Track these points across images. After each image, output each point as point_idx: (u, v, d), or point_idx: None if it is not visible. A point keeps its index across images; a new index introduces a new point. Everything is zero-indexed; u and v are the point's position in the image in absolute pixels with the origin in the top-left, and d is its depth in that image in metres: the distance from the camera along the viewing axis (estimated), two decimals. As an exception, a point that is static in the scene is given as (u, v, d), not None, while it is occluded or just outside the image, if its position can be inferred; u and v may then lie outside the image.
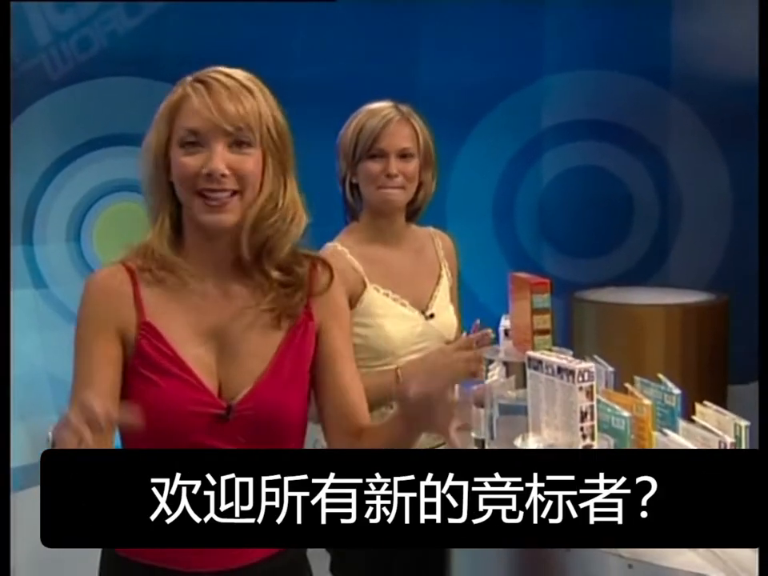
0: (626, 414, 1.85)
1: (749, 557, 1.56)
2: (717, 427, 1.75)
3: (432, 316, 2.35)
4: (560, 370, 1.74)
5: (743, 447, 1.75)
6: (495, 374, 2.02)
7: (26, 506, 3.75)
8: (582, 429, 1.70)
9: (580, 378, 1.69)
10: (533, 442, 1.78)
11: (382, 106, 2.34)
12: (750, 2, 4.70)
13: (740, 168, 5.00)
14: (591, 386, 1.70)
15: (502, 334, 2.22)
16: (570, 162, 5.02)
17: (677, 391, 1.97)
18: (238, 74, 1.60)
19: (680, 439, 1.67)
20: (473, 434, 2.14)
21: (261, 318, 1.60)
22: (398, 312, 2.31)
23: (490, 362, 2.11)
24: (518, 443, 1.78)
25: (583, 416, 1.70)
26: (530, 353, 1.84)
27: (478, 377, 2.26)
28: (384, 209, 2.34)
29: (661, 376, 2.06)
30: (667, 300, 3.91)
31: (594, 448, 1.70)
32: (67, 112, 4.16)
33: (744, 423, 1.77)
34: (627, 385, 2.06)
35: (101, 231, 4.22)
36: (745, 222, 4.92)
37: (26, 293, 4.21)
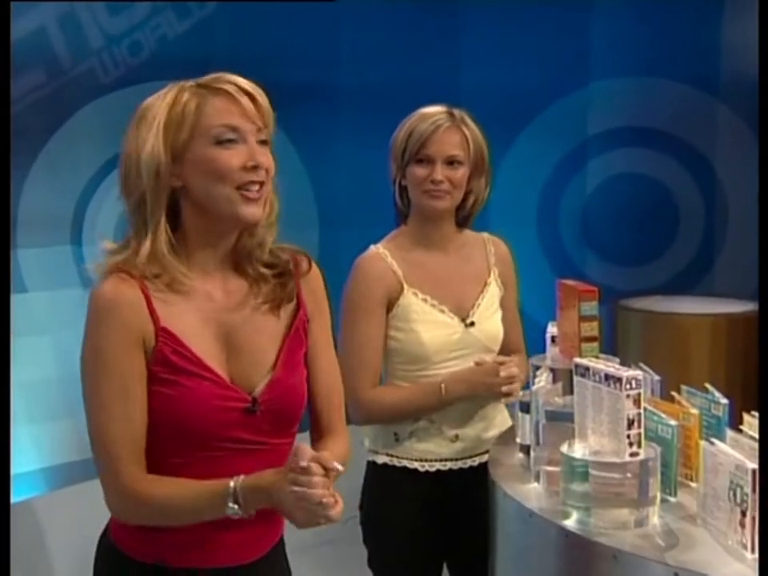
0: (672, 422, 1.85)
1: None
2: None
3: (472, 324, 2.33)
4: (607, 377, 1.73)
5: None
6: (542, 380, 2.01)
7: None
8: (628, 436, 1.69)
9: (627, 386, 1.69)
10: (579, 449, 1.77)
11: (434, 110, 2.32)
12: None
13: (789, 177, 5.07)
14: (638, 394, 1.69)
15: (548, 341, 2.22)
16: (615, 169, 5.04)
17: (724, 401, 1.96)
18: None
19: (727, 449, 1.66)
20: (518, 440, 2.15)
21: (260, 310, 1.67)
22: (435, 318, 2.30)
23: (537, 368, 2.11)
24: (564, 449, 1.78)
25: (630, 424, 1.69)
26: (577, 360, 1.83)
27: (515, 395, 2.27)
28: (429, 214, 2.34)
29: (708, 385, 2.05)
30: (713, 309, 3.89)
31: (641, 456, 1.70)
32: (117, 115, 4.11)
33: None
34: (674, 393, 2.05)
35: (148, 233, 4.26)
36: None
37: (74, 292, 4.08)
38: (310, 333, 1.72)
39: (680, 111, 4.94)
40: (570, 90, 4.91)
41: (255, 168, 1.60)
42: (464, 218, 2.39)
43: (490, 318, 2.36)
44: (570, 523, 1.73)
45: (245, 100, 1.61)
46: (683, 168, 5.07)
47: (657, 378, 2.11)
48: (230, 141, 1.59)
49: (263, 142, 1.63)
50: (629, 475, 1.70)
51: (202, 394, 1.59)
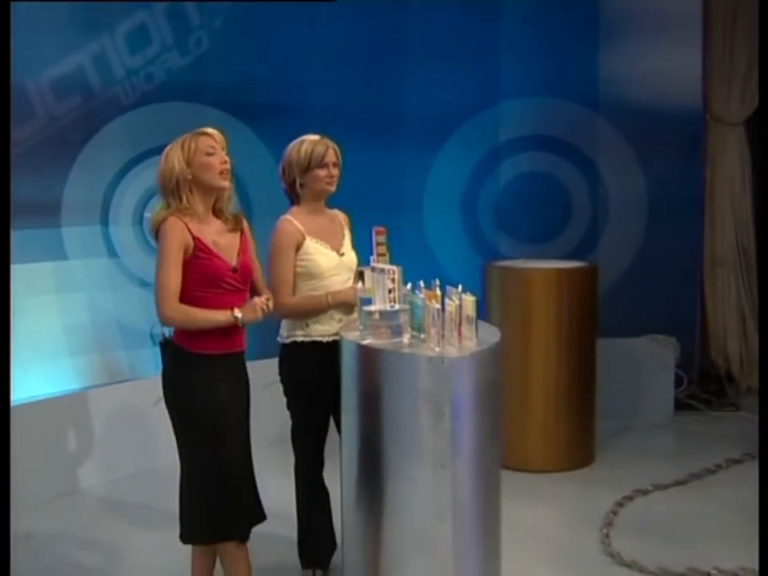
0: (421, 296, 3.33)
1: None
2: (463, 302, 3.23)
3: (342, 255, 3.78)
4: (381, 270, 3.26)
5: (471, 312, 3.23)
6: (360, 283, 3.49)
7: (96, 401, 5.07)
8: (389, 299, 3.22)
9: (388, 273, 3.21)
10: (372, 309, 3.27)
11: (317, 138, 3.72)
12: (659, 44, 6.04)
13: (654, 175, 6.20)
14: (394, 278, 3.20)
15: (372, 261, 3.70)
16: (521, 169, 6.19)
17: (460, 290, 3.42)
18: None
19: (435, 303, 3.18)
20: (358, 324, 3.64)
21: (228, 231, 3.26)
22: (323, 252, 3.74)
23: (360, 274, 3.60)
24: (365, 308, 3.28)
25: (389, 291, 3.22)
26: (373, 264, 3.39)
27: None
28: (323, 195, 3.80)
29: (460, 285, 3.47)
30: (549, 266, 5.13)
31: (397, 309, 3.22)
32: (135, 128, 5.20)
33: (474, 298, 3.25)
34: (438, 288, 3.51)
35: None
36: (657, 218, 6.19)
37: (102, 261, 5.31)
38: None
39: (570, 123, 6.09)
40: (485, 106, 6.10)
41: (225, 163, 3.17)
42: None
43: (349, 253, 3.83)
44: (363, 343, 3.19)
45: (216, 136, 3.19)
46: (574, 167, 6.18)
47: (438, 283, 3.58)
48: (212, 153, 3.15)
49: (226, 153, 3.19)
50: (387, 319, 3.21)
51: (217, 264, 3.11)
